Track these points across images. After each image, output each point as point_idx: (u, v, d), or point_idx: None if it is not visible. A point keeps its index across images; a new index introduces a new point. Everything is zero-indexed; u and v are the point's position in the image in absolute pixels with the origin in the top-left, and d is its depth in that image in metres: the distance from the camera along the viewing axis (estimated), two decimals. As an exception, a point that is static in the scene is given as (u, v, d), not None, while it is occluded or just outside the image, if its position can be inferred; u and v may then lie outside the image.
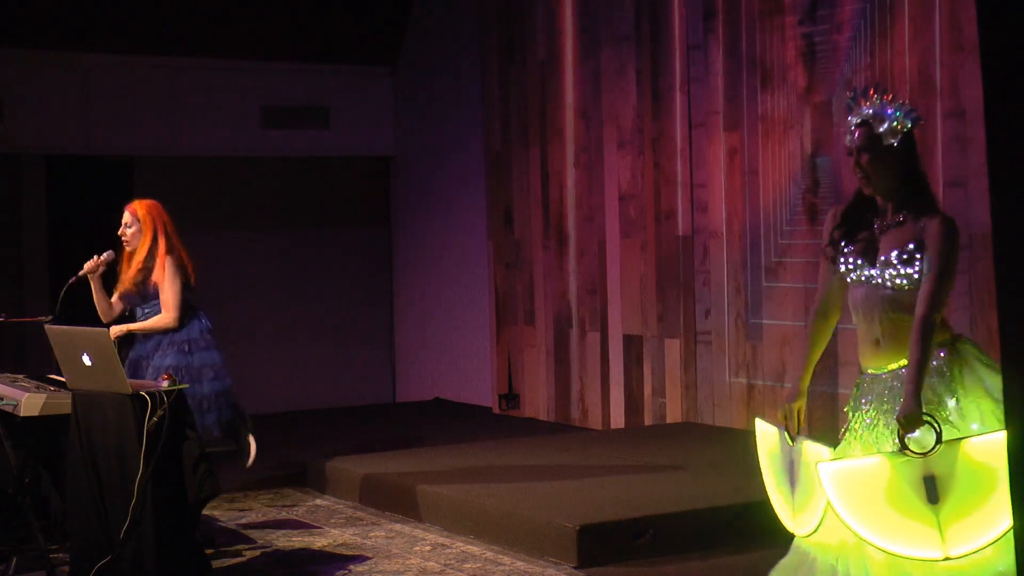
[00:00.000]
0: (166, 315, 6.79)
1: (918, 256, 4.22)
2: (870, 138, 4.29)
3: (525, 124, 10.84)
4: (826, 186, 8.44)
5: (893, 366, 4.31)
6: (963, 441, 4.02)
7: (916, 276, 4.22)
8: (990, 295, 7.18)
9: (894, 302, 4.28)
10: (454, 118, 11.83)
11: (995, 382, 4.16)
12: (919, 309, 4.18)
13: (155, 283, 6.79)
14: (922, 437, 4.06)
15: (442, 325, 12.07)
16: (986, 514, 3.95)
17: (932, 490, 3.99)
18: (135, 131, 11.25)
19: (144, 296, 6.86)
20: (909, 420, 4.07)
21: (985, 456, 3.96)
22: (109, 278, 6.96)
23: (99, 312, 6.91)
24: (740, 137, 9.01)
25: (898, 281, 4.26)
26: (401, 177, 12.54)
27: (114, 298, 6.94)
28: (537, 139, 10.73)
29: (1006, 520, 3.87)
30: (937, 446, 4.01)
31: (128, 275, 6.84)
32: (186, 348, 6.84)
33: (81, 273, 6.75)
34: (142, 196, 7.13)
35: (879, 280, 4.30)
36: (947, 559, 3.98)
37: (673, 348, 9.53)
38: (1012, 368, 3.17)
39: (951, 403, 4.22)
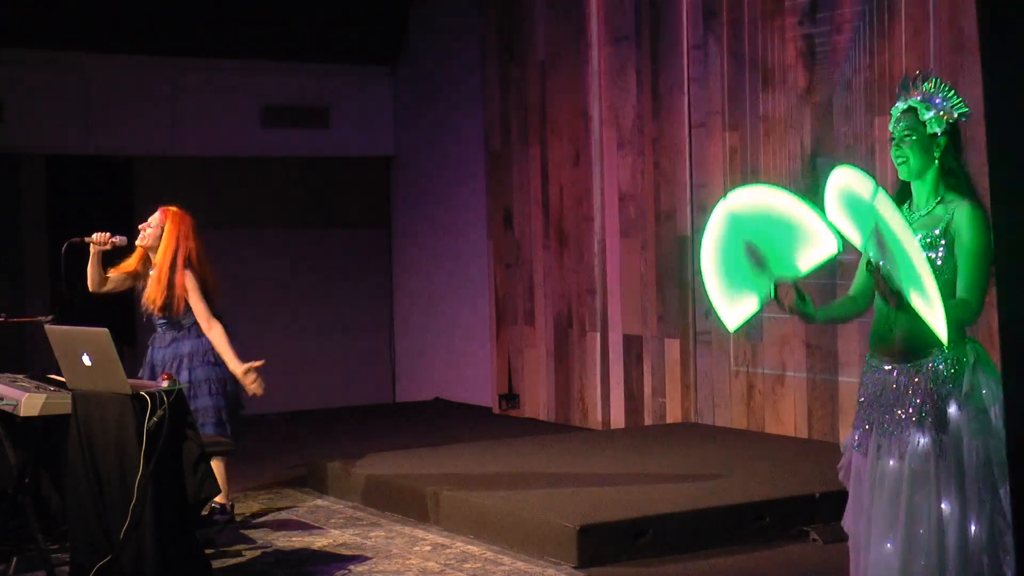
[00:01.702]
0: (205, 325, 6.99)
1: (942, 242, 4.21)
2: (914, 123, 4.30)
3: (525, 124, 10.83)
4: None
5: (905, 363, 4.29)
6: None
7: (939, 263, 4.20)
8: (990, 295, 7.17)
9: None
10: (454, 118, 11.82)
11: (995, 390, 4.18)
12: (959, 293, 4.18)
13: (181, 297, 6.95)
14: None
15: (442, 325, 12.06)
16: None
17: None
18: (135, 131, 11.24)
19: (176, 314, 7.01)
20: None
21: None
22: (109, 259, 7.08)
23: (89, 282, 7.02)
24: (740, 137, 9.00)
25: None
26: (401, 177, 12.53)
27: (110, 273, 7.05)
28: (537, 139, 10.72)
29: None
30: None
31: (155, 296, 6.95)
32: (212, 359, 7.03)
33: (87, 239, 6.83)
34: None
35: None
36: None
37: (673, 348, 9.53)
38: (1012, 368, 3.17)
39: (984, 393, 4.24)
